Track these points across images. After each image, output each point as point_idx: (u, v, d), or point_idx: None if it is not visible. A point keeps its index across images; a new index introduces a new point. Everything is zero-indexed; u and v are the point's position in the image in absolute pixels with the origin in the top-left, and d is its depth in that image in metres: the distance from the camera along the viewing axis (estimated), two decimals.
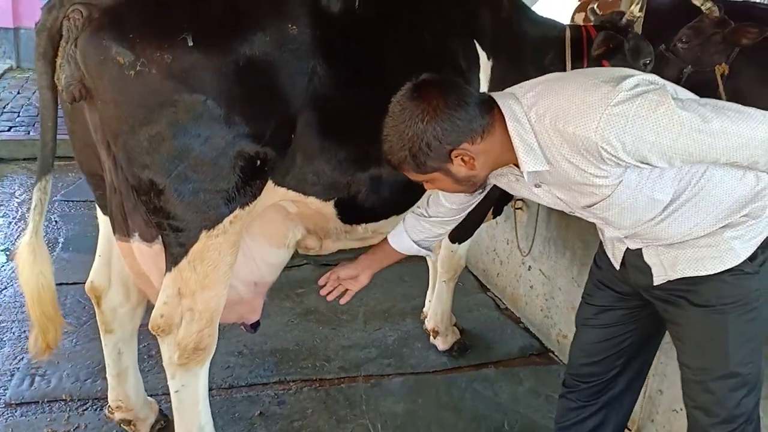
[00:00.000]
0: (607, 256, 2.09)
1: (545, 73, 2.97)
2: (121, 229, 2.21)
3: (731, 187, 1.74)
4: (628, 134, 1.56)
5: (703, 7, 4.21)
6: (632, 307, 2.12)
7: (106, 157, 2.09)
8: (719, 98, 4.30)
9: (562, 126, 1.64)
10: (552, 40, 3.09)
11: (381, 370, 3.41)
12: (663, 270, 1.88)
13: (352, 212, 2.45)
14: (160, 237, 2.16)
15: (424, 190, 2.65)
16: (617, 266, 2.04)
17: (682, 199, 1.74)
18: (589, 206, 1.80)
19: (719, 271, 1.79)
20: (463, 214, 2.25)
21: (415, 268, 4.14)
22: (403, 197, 2.51)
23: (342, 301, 2.43)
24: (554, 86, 1.73)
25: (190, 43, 1.92)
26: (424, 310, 3.77)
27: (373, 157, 2.32)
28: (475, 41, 2.68)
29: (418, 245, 2.32)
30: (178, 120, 1.95)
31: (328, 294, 2.41)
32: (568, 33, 3.12)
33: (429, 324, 3.58)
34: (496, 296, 4.33)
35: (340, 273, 2.38)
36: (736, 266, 1.78)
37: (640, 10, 3.22)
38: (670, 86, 1.69)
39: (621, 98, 1.57)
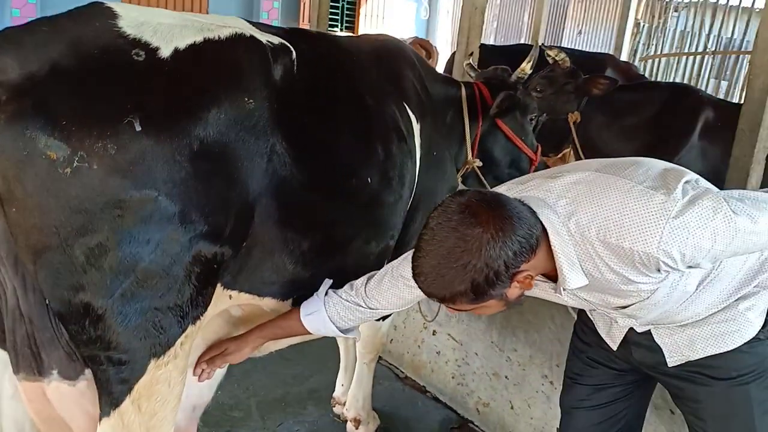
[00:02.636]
0: (593, 331, 2.05)
1: (451, 132, 3.01)
2: (29, 367, 1.73)
3: (741, 261, 1.78)
4: (689, 245, 1.53)
5: (557, 58, 4.55)
6: (628, 383, 2.09)
7: (11, 277, 1.63)
8: (573, 144, 4.68)
9: (615, 240, 1.57)
10: (451, 99, 3.09)
11: None
12: (678, 350, 1.86)
13: None
14: (85, 372, 1.73)
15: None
16: (614, 347, 2.00)
17: (704, 284, 1.75)
18: (623, 307, 1.77)
19: (740, 344, 1.81)
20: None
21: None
22: None
23: (202, 378, 2.12)
24: (593, 192, 1.63)
25: (138, 128, 1.56)
26: (336, 395, 3.51)
27: (338, 243, 2.09)
28: (405, 104, 2.56)
29: (344, 331, 2.13)
30: (123, 224, 1.57)
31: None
32: (463, 91, 3.14)
33: (349, 413, 3.33)
34: (391, 364, 4.18)
35: (229, 345, 2.10)
36: (753, 336, 1.82)
37: (531, 67, 3.34)
38: (702, 180, 1.69)
39: (679, 209, 1.53)
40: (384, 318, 3.09)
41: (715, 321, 1.82)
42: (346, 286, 2.12)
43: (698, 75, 8.70)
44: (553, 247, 1.62)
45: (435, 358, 3.85)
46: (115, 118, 1.54)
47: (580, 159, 4.65)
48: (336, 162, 2.07)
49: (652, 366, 1.95)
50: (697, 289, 1.74)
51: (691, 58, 8.56)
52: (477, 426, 3.57)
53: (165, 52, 1.68)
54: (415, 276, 1.64)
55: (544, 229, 1.62)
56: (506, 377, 3.36)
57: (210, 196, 1.70)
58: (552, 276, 1.71)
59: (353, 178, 2.12)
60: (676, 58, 8.61)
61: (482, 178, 3.18)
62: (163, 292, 1.67)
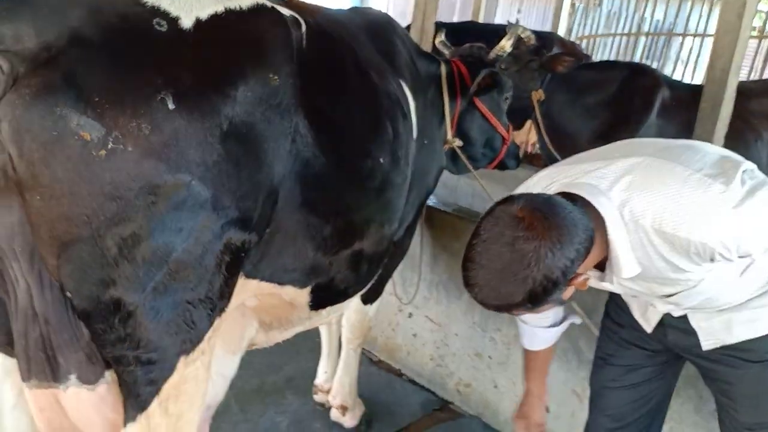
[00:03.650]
0: (626, 312, 2.06)
1: (432, 109, 2.96)
2: (42, 373, 1.57)
3: None
4: (747, 236, 1.54)
5: (522, 35, 4.56)
6: (659, 363, 2.11)
7: (25, 273, 1.47)
8: (535, 122, 4.72)
9: (671, 230, 1.56)
10: (431, 76, 3.03)
11: None
12: (713, 334, 1.87)
13: (326, 297, 2.09)
14: (105, 375, 1.59)
15: (397, 257, 2.41)
16: (649, 330, 2.02)
17: (746, 271, 1.75)
18: (668, 296, 1.77)
19: None
20: None
21: None
22: (376, 269, 2.23)
23: None
24: (648, 179, 1.60)
25: (171, 106, 1.43)
26: (318, 383, 3.42)
27: (356, 228, 2.01)
28: (401, 81, 2.49)
29: (557, 326, 2.17)
30: (157, 212, 1.44)
31: None
32: (443, 68, 3.09)
33: (335, 400, 3.25)
34: (364, 348, 4.12)
35: (536, 418, 2.26)
36: None
37: (511, 45, 3.32)
38: (758, 170, 1.68)
39: (739, 199, 1.52)
40: (371, 301, 3.04)
41: (752, 306, 1.82)
42: None
43: (630, 55, 9.01)
44: (609, 237, 1.60)
45: (411, 340, 3.83)
46: (148, 94, 1.41)
47: (542, 138, 4.71)
48: (353, 142, 1.99)
49: (685, 348, 1.97)
50: (740, 276, 1.75)
51: (622, 38, 8.83)
52: (458, 407, 3.58)
53: (186, 22, 1.55)
54: (468, 287, 1.60)
55: (597, 217, 1.60)
56: (489, 357, 3.37)
57: (240, 180, 1.59)
58: (599, 264, 1.69)
59: (369, 159, 2.04)
60: (610, 37, 8.86)
61: (463, 158, 3.15)
62: (194, 284, 1.56)
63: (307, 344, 3.89)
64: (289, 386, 3.61)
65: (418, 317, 3.76)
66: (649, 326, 2.00)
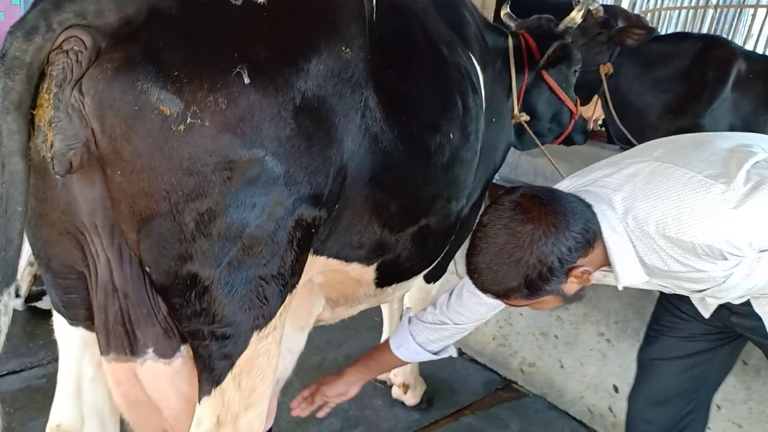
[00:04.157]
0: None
1: (499, 83, 2.89)
2: (120, 346, 1.61)
3: None
4: (754, 233, 1.50)
5: (591, 8, 4.42)
6: (717, 339, 2.06)
7: (106, 248, 1.51)
8: (603, 96, 4.58)
9: (675, 234, 1.54)
10: (499, 50, 2.96)
11: None
12: None
13: (391, 274, 2.08)
14: (181, 349, 1.62)
15: (463, 234, 2.39)
16: (707, 315, 1.96)
17: None
18: (699, 291, 1.75)
19: None
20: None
21: None
22: (443, 246, 2.21)
23: (320, 415, 2.35)
24: (650, 186, 1.60)
25: (246, 80, 1.43)
26: None
27: (423, 204, 1.99)
28: (470, 54, 2.44)
29: (437, 353, 2.20)
30: (232, 187, 1.45)
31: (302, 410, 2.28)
32: (510, 41, 3.02)
33: (397, 378, 3.26)
34: None
35: (328, 392, 2.25)
36: None
37: (582, 17, 3.22)
38: None
39: (740, 198, 1.48)
40: (435, 280, 3.02)
41: None
42: (429, 307, 2.15)
43: (697, 30, 8.66)
44: (606, 244, 1.60)
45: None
46: (225, 68, 1.40)
47: (610, 113, 4.58)
48: (422, 117, 1.95)
49: (749, 329, 1.91)
50: None
51: (689, 11, 8.49)
52: (521, 386, 3.54)
53: None
54: (469, 273, 1.65)
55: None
56: (555, 336, 3.32)
57: (312, 155, 1.58)
58: None
59: (438, 134, 2.00)
60: (676, 11, 8.53)
61: (530, 133, 3.08)
62: (267, 260, 1.56)
63: (366, 322, 3.91)
64: (348, 363, 3.60)
65: None
66: (707, 312, 1.96)
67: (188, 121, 1.35)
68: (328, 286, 2.01)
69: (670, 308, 2.12)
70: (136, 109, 1.32)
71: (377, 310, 3.45)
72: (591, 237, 1.58)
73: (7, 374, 3.29)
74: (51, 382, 3.18)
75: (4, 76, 1.31)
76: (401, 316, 3.26)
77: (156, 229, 1.42)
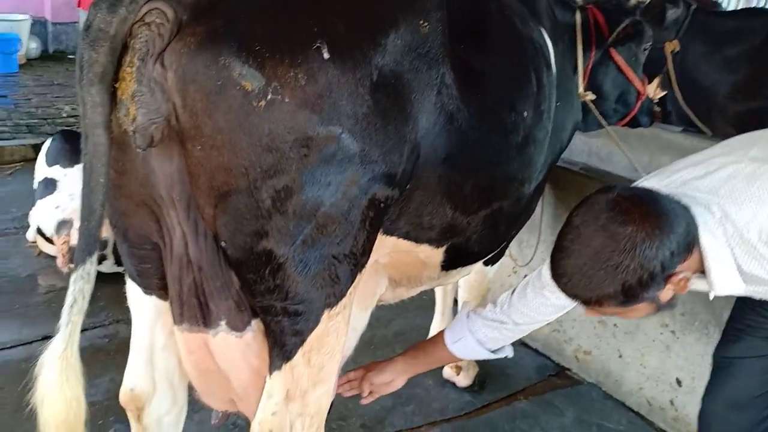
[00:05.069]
0: None
1: (567, 60, 2.83)
2: (194, 317, 1.67)
3: None
4: None
5: None
6: None
7: (182, 221, 1.55)
8: (667, 75, 4.45)
9: None
10: (567, 25, 2.90)
11: (409, 422, 3.06)
12: None
13: (459, 257, 2.09)
14: (252, 323, 1.66)
15: (526, 216, 2.37)
16: None
17: None
18: None
19: None
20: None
21: None
22: (512, 230, 2.20)
23: (364, 402, 2.32)
24: (750, 189, 1.53)
25: (326, 55, 1.44)
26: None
27: (496, 186, 1.98)
28: (542, 28, 2.40)
29: (494, 352, 2.16)
30: (308, 165, 1.46)
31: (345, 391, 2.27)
32: (578, 16, 2.95)
33: None
34: None
35: (374, 379, 2.23)
36: None
37: None
38: None
39: None
40: (492, 263, 3.01)
41: None
42: (489, 305, 2.10)
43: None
44: (703, 250, 1.54)
45: None
46: (305, 43, 1.42)
47: (674, 93, 4.45)
48: (497, 94, 1.94)
49: None
50: None
51: None
52: (575, 373, 3.53)
53: None
54: (557, 277, 1.58)
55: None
56: (615, 325, 3.29)
57: (387, 133, 1.59)
58: None
59: (512, 112, 1.99)
60: None
61: (596, 113, 3.03)
62: (340, 238, 1.58)
63: (415, 301, 3.89)
64: (397, 340, 3.66)
65: None
66: None
67: (269, 96, 1.37)
68: (393, 266, 2.03)
69: (756, 308, 2.06)
70: (218, 84, 1.34)
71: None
72: (691, 241, 1.51)
73: None
74: (112, 342, 3.32)
75: (89, 48, 1.35)
76: (455, 299, 3.28)
77: (233, 205, 1.46)
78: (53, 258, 4.00)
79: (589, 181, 3.37)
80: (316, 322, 1.64)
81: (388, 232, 1.82)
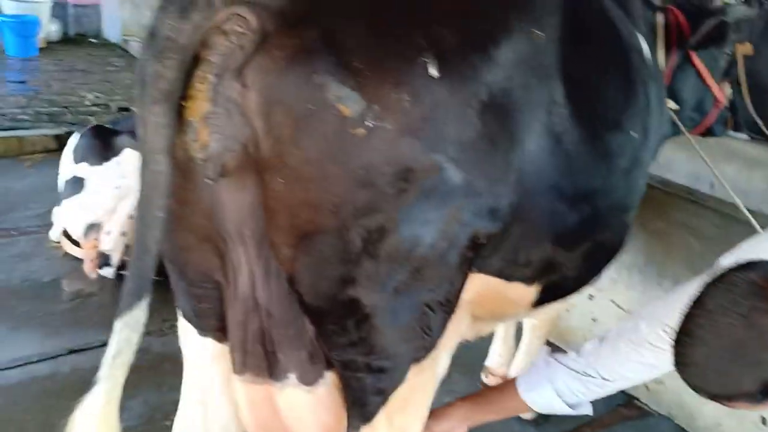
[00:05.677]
0: None
1: (656, 69, 2.59)
2: (258, 367, 1.47)
3: None
4: None
5: None
6: None
7: (251, 260, 1.34)
8: (736, 81, 4.19)
9: None
10: (649, 27, 2.67)
11: None
12: None
13: (553, 294, 1.87)
14: (325, 375, 1.46)
15: (623, 247, 2.16)
16: None
17: None
18: None
19: None
20: None
21: None
22: (609, 263, 1.98)
23: None
24: None
25: (435, 73, 1.22)
26: (491, 366, 3.23)
27: (602, 216, 1.76)
28: (637, 33, 2.16)
29: (572, 407, 1.95)
30: (406, 201, 1.25)
31: None
32: (660, 17, 2.73)
33: None
34: None
35: (434, 428, 1.97)
36: None
37: None
38: None
39: None
40: None
41: None
42: (571, 353, 1.91)
43: None
44: None
45: (589, 325, 3.56)
46: (410, 57, 1.21)
47: (742, 98, 4.19)
48: (606, 112, 1.73)
49: None
50: None
51: None
52: (645, 404, 3.31)
53: None
54: (682, 365, 1.41)
55: None
56: None
57: (494, 161, 1.38)
58: None
59: (620, 132, 1.77)
60: None
61: (678, 122, 2.80)
62: (436, 284, 1.39)
63: None
64: (455, 364, 3.40)
65: (601, 300, 3.48)
66: None
67: (368, 122, 1.16)
68: (478, 303, 1.81)
69: None
70: (309, 108, 1.14)
71: None
72: None
73: (100, 346, 3.26)
74: (144, 358, 3.14)
75: (154, 60, 1.15)
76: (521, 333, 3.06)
77: (317, 247, 1.25)
78: (79, 260, 3.85)
79: (669, 197, 3.13)
80: (402, 379, 1.44)
81: (479, 269, 1.60)
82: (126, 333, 1.30)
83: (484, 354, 3.30)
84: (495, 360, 3.22)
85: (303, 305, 1.35)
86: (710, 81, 2.89)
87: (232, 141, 1.18)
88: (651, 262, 3.22)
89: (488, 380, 3.24)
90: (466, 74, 1.28)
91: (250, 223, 1.30)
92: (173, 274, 1.50)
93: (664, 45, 2.72)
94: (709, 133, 3.14)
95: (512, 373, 3.08)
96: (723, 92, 3.04)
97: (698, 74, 2.87)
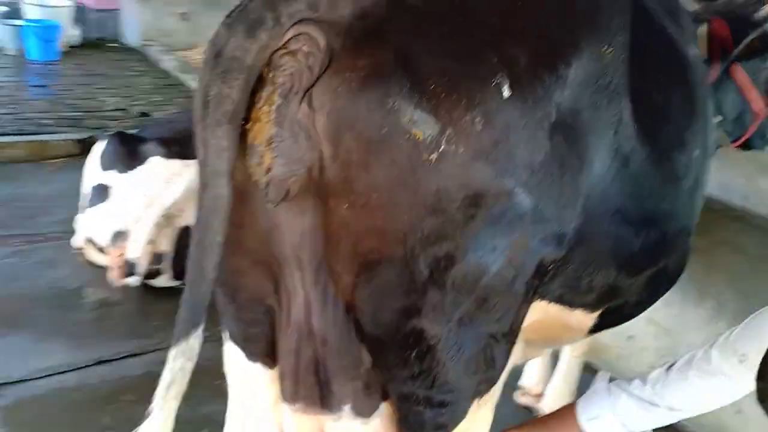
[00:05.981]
0: None
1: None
2: (310, 398, 1.42)
3: None
4: None
5: None
6: None
7: (307, 285, 1.29)
8: None
9: None
10: (695, 37, 2.60)
11: None
12: None
13: (611, 321, 1.82)
14: (380, 407, 1.40)
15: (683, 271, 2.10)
16: None
17: None
18: None
19: None
20: None
21: None
22: (669, 288, 1.92)
23: None
24: None
25: (506, 93, 1.16)
26: (525, 385, 3.16)
27: (668, 241, 1.70)
28: (694, 50, 2.09)
29: None
30: (474, 228, 1.20)
31: None
32: (704, 28, 2.67)
33: (548, 409, 2.99)
34: None
35: None
36: None
37: None
38: None
39: None
40: None
41: None
42: (635, 381, 1.81)
43: None
44: None
45: (624, 342, 3.48)
46: (483, 78, 1.15)
47: None
48: (670, 131, 1.67)
49: None
50: None
51: None
52: (684, 426, 3.21)
53: None
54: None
55: None
56: None
57: (563, 184, 1.32)
58: None
59: (684, 152, 1.71)
60: None
61: (726, 137, 2.74)
62: (501, 314, 1.33)
63: None
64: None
65: (639, 318, 3.39)
66: None
67: (442, 147, 1.10)
68: (532, 329, 1.75)
69: None
70: (383, 133, 1.08)
71: None
72: None
73: (128, 356, 3.24)
74: None
75: (219, 81, 1.09)
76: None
77: (381, 276, 1.20)
78: (102, 268, 3.81)
79: (712, 215, 3.06)
80: (463, 414, 1.39)
81: (540, 296, 1.54)
82: (180, 362, 1.26)
83: (517, 372, 3.23)
84: (530, 379, 3.15)
85: (362, 335, 1.30)
86: (752, 94, 2.81)
87: (297, 165, 1.13)
88: (691, 280, 3.13)
89: (523, 399, 3.18)
90: (537, 95, 1.22)
91: (308, 248, 1.24)
92: (222, 297, 1.45)
93: (707, 56, 2.67)
94: (747, 146, 3.07)
95: (548, 392, 3.01)
96: (765, 105, 2.97)
97: (738, 87, 2.80)
